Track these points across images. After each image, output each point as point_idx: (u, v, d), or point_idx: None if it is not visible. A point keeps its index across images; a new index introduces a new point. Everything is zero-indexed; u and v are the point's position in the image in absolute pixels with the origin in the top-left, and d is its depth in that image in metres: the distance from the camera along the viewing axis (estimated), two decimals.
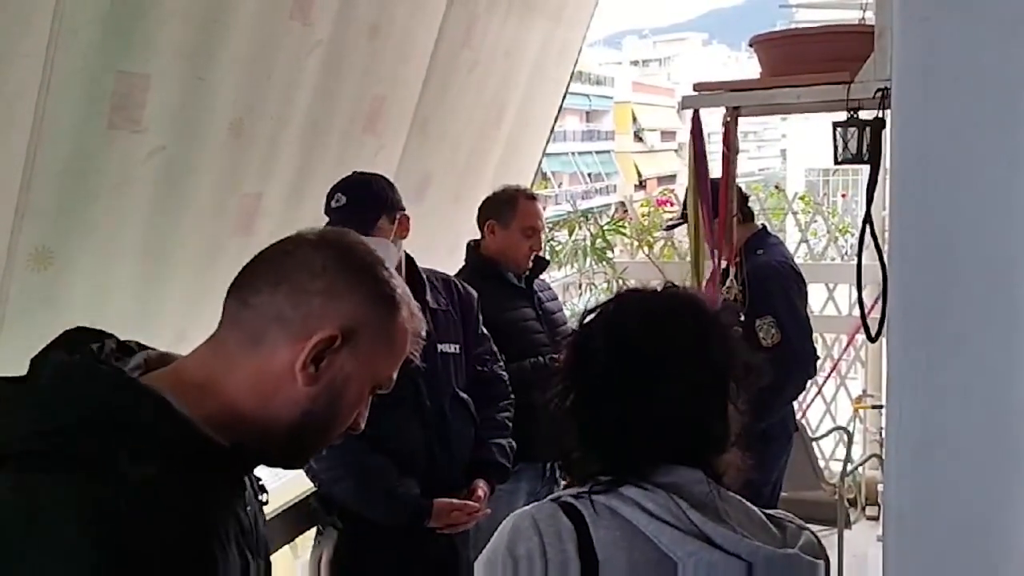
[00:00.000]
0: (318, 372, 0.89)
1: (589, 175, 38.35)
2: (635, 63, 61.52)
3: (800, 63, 1.96)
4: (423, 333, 0.99)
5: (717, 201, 2.33)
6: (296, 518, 2.24)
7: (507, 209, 2.58)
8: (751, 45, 2.15)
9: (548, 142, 4.27)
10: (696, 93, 2.07)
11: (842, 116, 1.85)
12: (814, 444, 3.75)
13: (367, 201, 2.19)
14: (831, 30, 1.95)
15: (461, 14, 3.04)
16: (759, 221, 3.63)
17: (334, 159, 2.67)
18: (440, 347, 2.22)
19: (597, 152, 40.25)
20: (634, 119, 43.79)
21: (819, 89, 1.88)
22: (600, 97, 40.96)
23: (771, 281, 2.68)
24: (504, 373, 2.39)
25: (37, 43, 1.68)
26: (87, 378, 0.82)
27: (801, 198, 4.67)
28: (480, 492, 2.22)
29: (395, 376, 0.97)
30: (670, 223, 3.32)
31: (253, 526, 0.92)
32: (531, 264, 2.59)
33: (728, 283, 2.37)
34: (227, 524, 0.85)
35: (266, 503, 1.03)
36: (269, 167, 2.44)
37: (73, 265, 1.95)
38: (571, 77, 4.30)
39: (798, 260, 4.37)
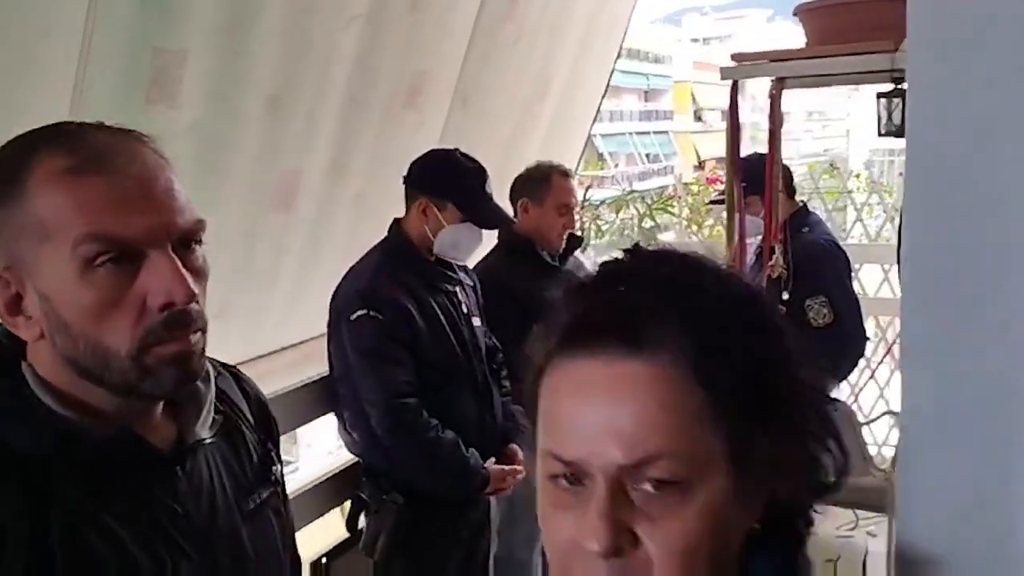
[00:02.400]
0: (28, 315, 0.76)
1: (647, 156, 37.88)
2: (695, 41, 60.35)
3: (846, 32, 1.88)
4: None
5: (763, 176, 2.28)
6: (333, 491, 2.26)
7: (541, 186, 2.54)
8: (795, 14, 2.07)
9: (595, 119, 4.21)
10: (735, 64, 2.00)
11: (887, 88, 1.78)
12: (864, 428, 3.65)
13: (406, 180, 2.20)
14: None
15: None
16: (812, 201, 3.57)
17: (374, 134, 2.67)
18: (473, 320, 2.24)
19: (655, 132, 39.72)
20: (693, 99, 43.06)
21: (862, 58, 1.80)
22: (659, 76, 40.37)
23: (822, 260, 2.64)
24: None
25: (75, 17, 1.71)
26: None
27: (856, 176, 4.53)
28: (519, 455, 2.26)
29: (97, 225, 0.74)
30: (714, 199, 3.28)
31: (179, 511, 0.82)
32: (564, 242, 2.56)
33: (773, 260, 2.30)
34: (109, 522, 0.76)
35: (275, 482, 0.95)
36: (308, 142, 2.45)
37: None
38: (619, 53, 4.23)
39: (853, 241, 4.26)
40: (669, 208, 4.34)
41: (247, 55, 2.09)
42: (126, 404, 0.81)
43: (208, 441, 0.86)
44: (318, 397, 2.21)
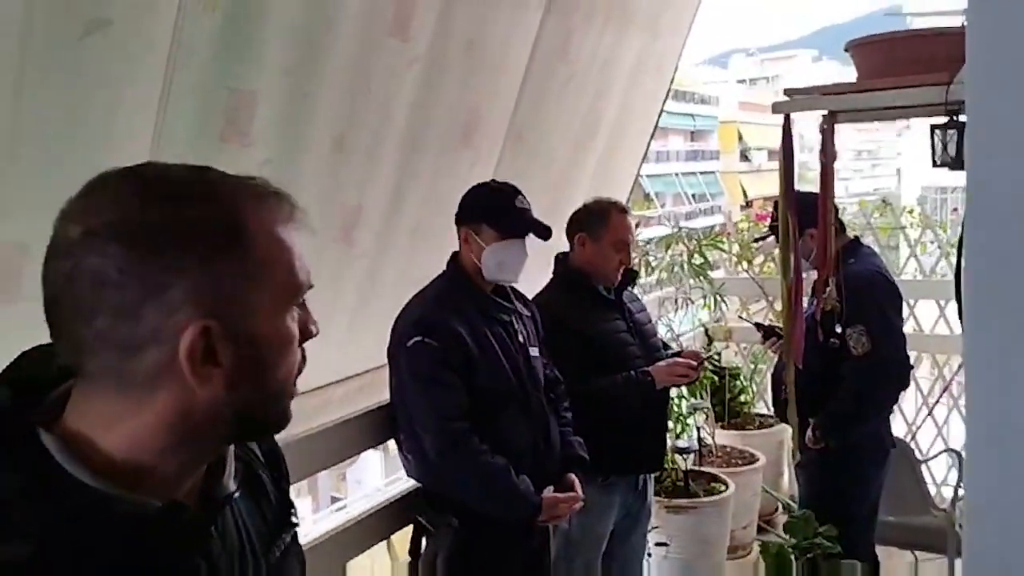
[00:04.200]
0: (219, 364, 0.71)
1: (693, 196, 37.80)
2: (741, 82, 60.41)
3: (897, 66, 1.91)
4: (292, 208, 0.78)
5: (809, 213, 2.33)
6: (390, 518, 2.30)
7: (599, 222, 2.59)
8: (847, 50, 2.11)
9: (645, 156, 4.26)
10: (787, 98, 2.04)
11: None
12: (923, 467, 3.58)
13: (455, 217, 2.28)
14: (929, 32, 1.89)
15: (557, 27, 3.08)
16: (865, 237, 3.55)
17: (430, 171, 2.76)
18: (531, 351, 2.29)
19: (702, 172, 39.66)
20: (740, 138, 42.96)
21: (916, 91, 1.83)
22: (705, 117, 40.40)
23: (862, 290, 2.66)
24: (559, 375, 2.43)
25: (158, 61, 1.82)
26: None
27: (909, 212, 4.49)
28: (577, 484, 2.29)
29: (303, 272, 0.77)
30: (758, 236, 3.29)
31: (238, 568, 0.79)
32: (620, 277, 2.60)
33: (827, 293, 2.31)
34: None
35: (294, 525, 0.92)
36: (368, 179, 2.54)
37: None
38: (669, 90, 4.29)
39: (907, 277, 4.22)
40: (719, 244, 4.35)
41: (313, 96, 2.19)
42: (197, 465, 0.78)
43: (236, 495, 0.82)
44: (379, 424, 2.26)
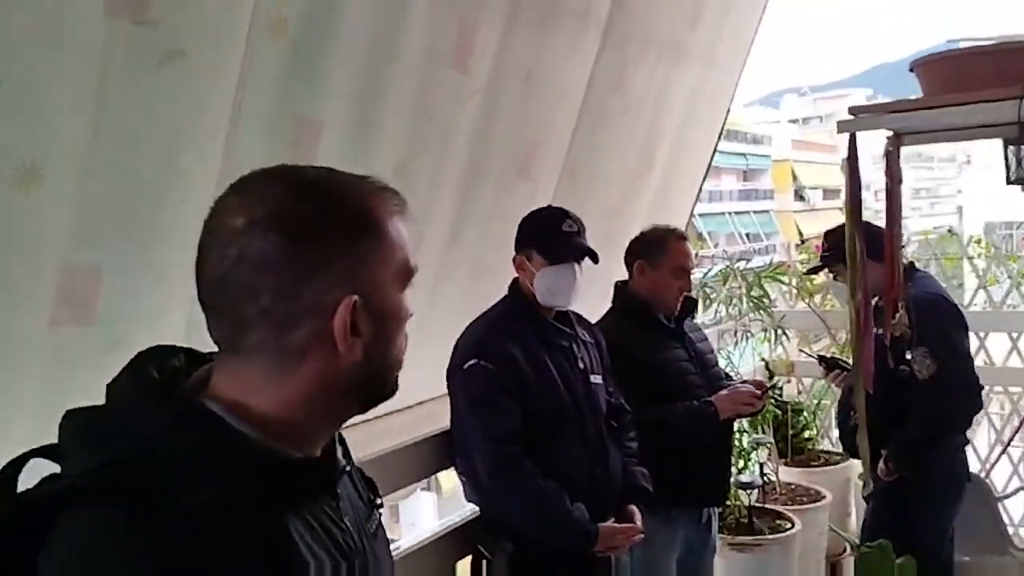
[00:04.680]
0: (359, 334, 0.81)
1: (747, 235, 37.43)
2: (794, 121, 60.03)
3: (965, 83, 1.87)
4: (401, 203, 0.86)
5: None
6: (454, 545, 2.28)
7: (657, 249, 2.57)
8: (912, 70, 2.07)
9: (701, 189, 4.24)
10: (852, 117, 2.01)
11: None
12: (1000, 504, 3.44)
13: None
14: (999, 48, 1.84)
15: (612, 59, 3.11)
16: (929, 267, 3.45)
17: (489, 201, 2.78)
18: (592, 377, 2.26)
19: (755, 212, 39.30)
20: (794, 177, 42.56)
21: (987, 108, 1.78)
22: (758, 156, 40.18)
23: (923, 313, 2.58)
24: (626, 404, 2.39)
25: (227, 91, 1.87)
26: (142, 405, 0.78)
27: (977, 242, 4.37)
28: (637, 516, 2.23)
29: (414, 257, 0.87)
30: (810, 267, 3.22)
31: (343, 525, 0.86)
32: (680, 305, 2.57)
33: (896, 318, 2.25)
34: (301, 531, 0.80)
35: (380, 506, 1.00)
36: (429, 209, 2.56)
37: None
38: (724, 122, 4.27)
39: (976, 308, 4.09)
40: (779, 277, 4.28)
41: (376, 125, 2.23)
42: (332, 428, 0.88)
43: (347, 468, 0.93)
44: (440, 450, 2.25)
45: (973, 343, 4.13)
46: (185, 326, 1.99)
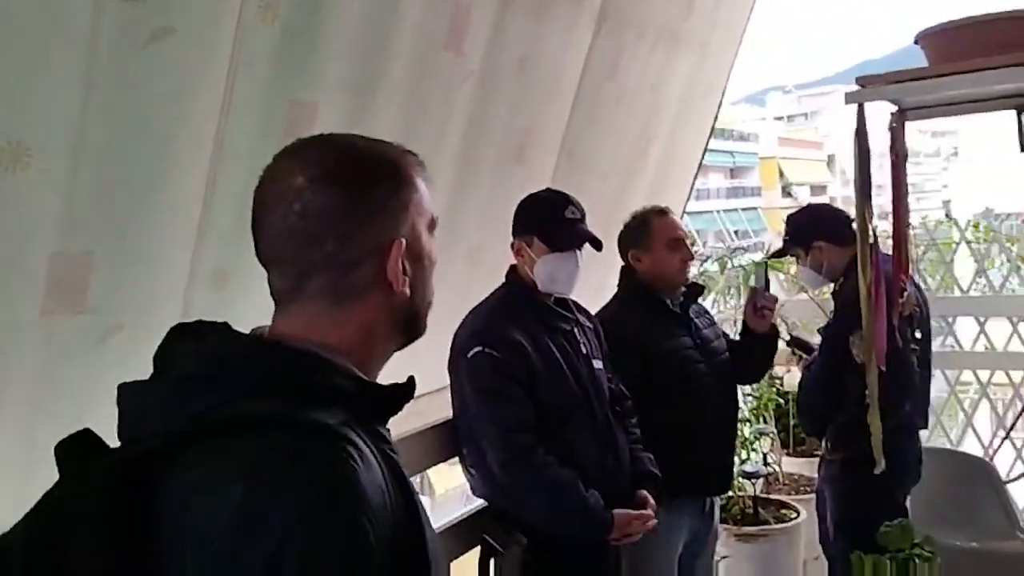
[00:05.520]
0: (406, 272, 0.91)
1: (735, 232, 37.53)
2: (779, 119, 60.26)
3: (975, 54, 1.83)
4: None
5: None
6: (456, 539, 2.23)
7: (643, 232, 2.53)
8: (917, 42, 2.03)
9: (695, 179, 4.21)
10: (860, 87, 1.97)
11: None
12: (1007, 488, 3.40)
13: None
14: (1010, 15, 1.80)
15: (607, 47, 3.07)
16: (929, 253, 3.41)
17: (485, 188, 2.73)
18: (594, 363, 2.21)
19: (743, 209, 39.40)
20: (781, 174, 42.71)
21: (1001, 74, 1.73)
22: (745, 154, 40.30)
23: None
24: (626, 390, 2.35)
25: (218, 73, 1.82)
26: (252, 349, 0.87)
27: (974, 226, 4.35)
28: (651, 501, 2.19)
29: (434, 208, 0.97)
30: (774, 252, 3.18)
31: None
32: (688, 281, 2.53)
33: (904, 297, 2.21)
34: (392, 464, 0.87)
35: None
36: None
37: (246, 286, 2.06)
38: (717, 114, 4.24)
39: (975, 293, 4.08)
40: (776, 266, 4.24)
41: (371, 110, 2.18)
42: (386, 359, 0.96)
43: None
44: (443, 440, 2.20)
45: (973, 328, 4.14)
46: (180, 313, 1.94)
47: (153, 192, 1.79)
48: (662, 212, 2.57)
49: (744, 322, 2.70)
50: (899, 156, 2.18)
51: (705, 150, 4.22)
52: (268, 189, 0.90)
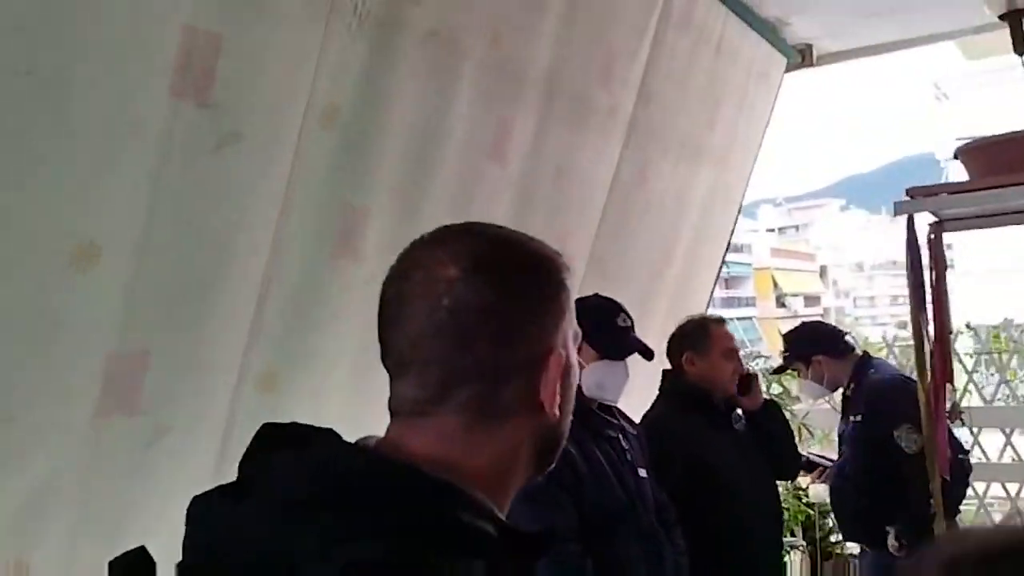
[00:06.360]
0: (559, 393, 0.79)
1: None
2: (771, 230, 61.39)
3: (1019, 168, 1.87)
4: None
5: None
6: None
7: (701, 336, 2.57)
8: (956, 156, 2.09)
9: (715, 286, 4.24)
10: (909, 198, 2.01)
11: None
12: None
13: None
14: None
15: (635, 158, 3.14)
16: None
17: None
18: (639, 471, 2.18)
19: (739, 319, 39.59)
20: (775, 284, 43.16)
21: None
22: (739, 264, 40.82)
23: (893, 392, 2.74)
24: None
25: (280, 177, 1.85)
26: (380, 471, 0.71)
27: (995, 337, 4.37)
28: None
29: None
30: (776, 368, 3.47)
31: None
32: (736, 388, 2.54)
33: (950, 406, 2.21)
34: None
35: None
36: None
37: (293, 390, 2.03)
38: (736, 222, 4.32)
39: (999, 403, 4.05)
40: (792, 374, 4.23)
41: (419, 213, 2.21)
42: (512, 495, 0.83)
43: None
44: None
45: (999, 440, 4.09)
46: (226, 416, 1.90)
47: (210, 293, 1.79)
48: (720, 321, 2.64)
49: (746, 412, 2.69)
50: (939, 265, 2.21)
51: (723, 260, 4.27)
52: (410, 280, 0.78)
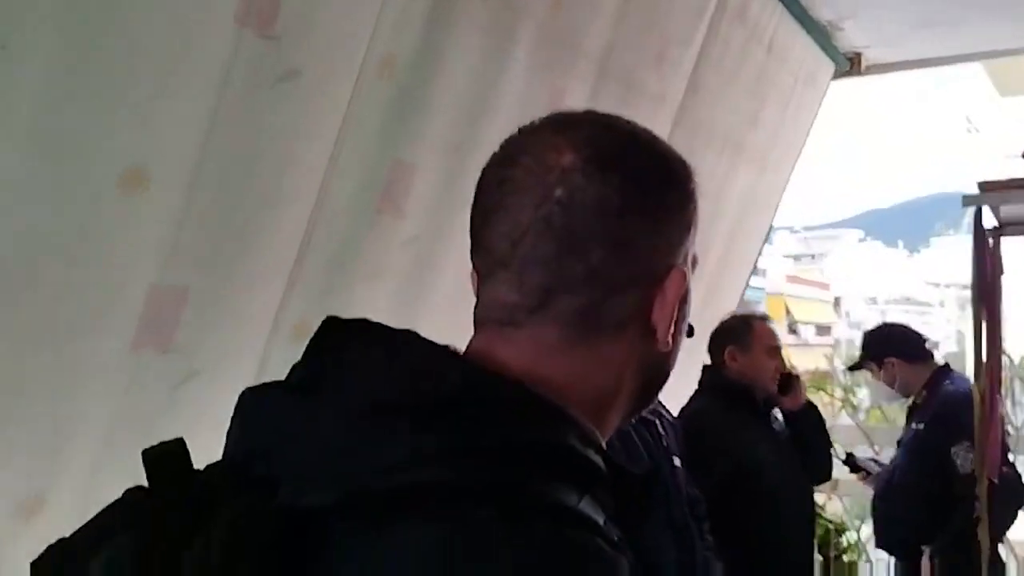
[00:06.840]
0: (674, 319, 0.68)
1: None
2: (787, 257, 61.21)
3: None
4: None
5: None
6: None
7: (744, 332, 2.54)
8: None
9: (746, 288, 4.19)
10: (979, 192, 1.94)
11: None
12: None
13: None
14: None
15: (679, 147, 3.07)
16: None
17: None
18: (675, 459, 2.12)
19: None
20: (788, 312, 42.93)
21: None
22: (753, 288, 40.70)
23: (958, 407, 2.60)
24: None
25: (333, 122, 1.80)
26: (478, 380, 0.61)
27: None
28: None
29: None
30: (852, 364, 3.43)
31: None
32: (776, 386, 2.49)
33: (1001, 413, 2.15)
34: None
35: None
36: None
37: None
38: (770, 230, 4.26)
39: None
40: (823, 386, 4.16)
41: (465, 176, 2.16)
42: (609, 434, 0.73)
43: None
44: None
45: None
46: (258, 365, 1.85)
47: (253, 234, 1.74)
48: (764, 318, 2.61)
49: (784, 412, 2.64)
50: (995, 272, 2.14)
51: (756, 264, 4.21)
52: (517, 165, 0.67)
